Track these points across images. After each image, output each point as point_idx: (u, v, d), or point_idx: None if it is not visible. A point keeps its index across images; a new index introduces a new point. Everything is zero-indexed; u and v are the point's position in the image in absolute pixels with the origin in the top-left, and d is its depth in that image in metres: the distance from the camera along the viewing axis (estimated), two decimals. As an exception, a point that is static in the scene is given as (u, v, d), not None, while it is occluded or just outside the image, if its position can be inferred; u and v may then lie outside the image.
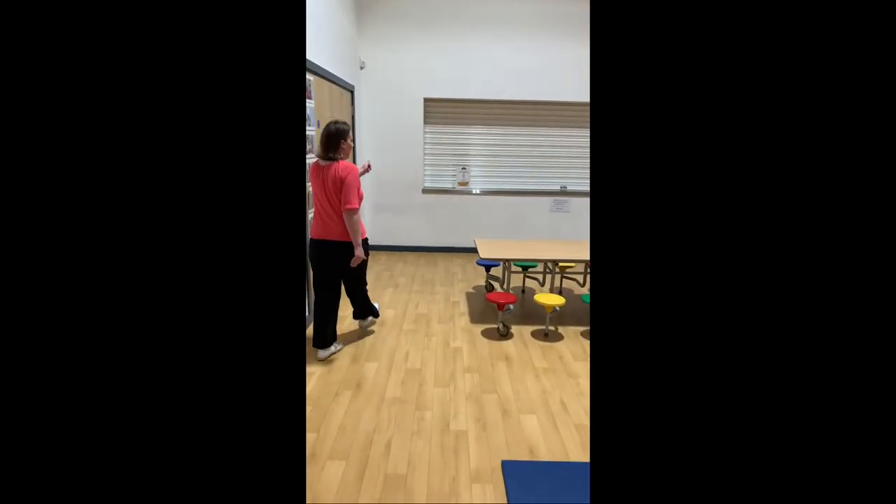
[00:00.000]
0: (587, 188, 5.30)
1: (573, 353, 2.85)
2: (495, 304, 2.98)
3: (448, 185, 5.25)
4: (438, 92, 4.93)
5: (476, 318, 3.37)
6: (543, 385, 2.46)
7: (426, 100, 5.02)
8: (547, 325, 3.12)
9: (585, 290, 4.08)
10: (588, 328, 3.22)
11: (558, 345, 2.96)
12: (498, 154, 5.23)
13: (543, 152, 5.23)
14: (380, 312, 3.34)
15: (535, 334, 3.11)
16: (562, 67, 4.88)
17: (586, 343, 2.99)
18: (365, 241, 2.58)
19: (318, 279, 2.58)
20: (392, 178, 5.12)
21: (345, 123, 2.46)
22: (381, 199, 5.19)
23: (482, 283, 4.24)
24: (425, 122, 5.12)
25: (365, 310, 2.93)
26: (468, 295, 3.89)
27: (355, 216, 2.41)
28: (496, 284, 4.10)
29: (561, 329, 3.21)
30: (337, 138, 2.41)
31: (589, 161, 5.27)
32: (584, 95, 4.95)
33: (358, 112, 4.72)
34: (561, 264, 3.76)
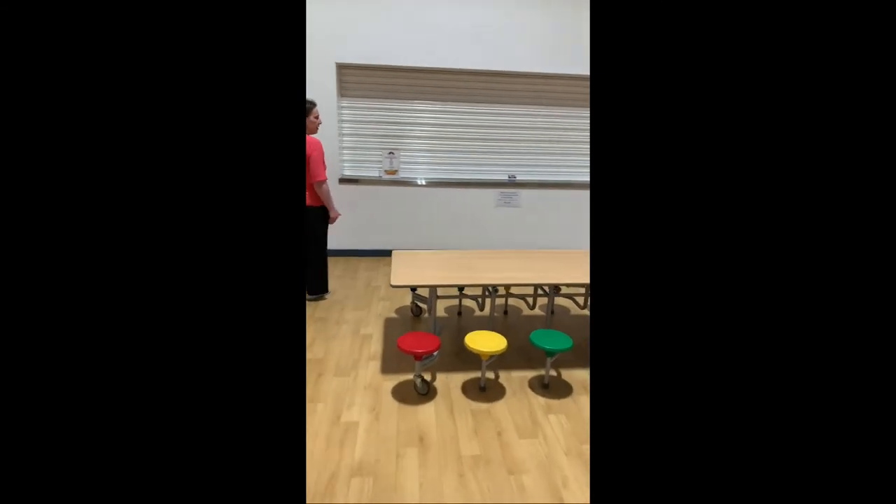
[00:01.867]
0: (540, 178, 4.48)
1: (517, 422, 2.02)
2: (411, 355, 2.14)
3: (374, 174, 4.27)
4: (357, 56, 3.90)
5: (390, 363, 2.48)
6: (470, 494, 1.61)
7: (340, 66, 3.98)
8: (483, 376, 2.28)
9: (536, 312, 3.28)
10: (539, 373, 2.41)
11: (497, 407, 2.12)
12: (435, 136, 4.29)
13: (490, 134, 4.34)
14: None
15: (467, 387, 2.26)
16: (515, 31, 3.97)
17: (535, 401, 2.17)
18: (322, 208, 2.96)
19: None
20: (301, 166, 4.07)
21: (310, 101, 2.76)
22: (288, 192, 4.14)
23: (409, 302, 3.35)
24: (340, 95, 4.09)
25: (321, 281, 3.16)
26: (387, 323, 2.98)
27: (325, 185, 2.85)
28: (424, 307, 3.22)
29: (503, 376, 2.38)
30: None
31: (542, 145, 4.43)
32: (539, 65, 4.07)
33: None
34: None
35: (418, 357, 2.12)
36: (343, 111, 4.13)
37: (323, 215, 2.98)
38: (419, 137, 4.27)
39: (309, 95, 3.93)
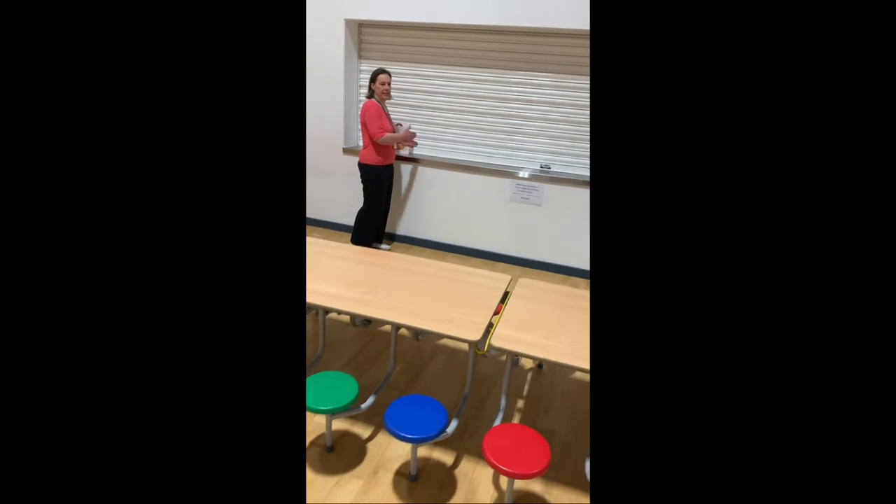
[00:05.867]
0: (579, 172, 3.43)
1: None
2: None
3: (386, 147, 3.87)
4: (373, 12, 3.48)
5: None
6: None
7: (354, 24, 3.61)
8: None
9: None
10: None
11: None
12: (455, 108, 3.64)
13: (523, 111, 3.46)
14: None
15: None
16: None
17: None
18: (388, 166, 3.22)
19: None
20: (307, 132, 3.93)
21: (380, 69, 3.05)
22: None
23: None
24: (360, 57, 3.75)
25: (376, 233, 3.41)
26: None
27: (383, 138, 3.04)
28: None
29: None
30: (369, 81, 3.07)
31: (582, 129, 3.35)
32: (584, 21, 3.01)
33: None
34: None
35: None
36: (362, 75, 3.80)
37: (386, 172, 3.19)
38: (440, 109, 3.67)
39: (315, 58, 3.69)
